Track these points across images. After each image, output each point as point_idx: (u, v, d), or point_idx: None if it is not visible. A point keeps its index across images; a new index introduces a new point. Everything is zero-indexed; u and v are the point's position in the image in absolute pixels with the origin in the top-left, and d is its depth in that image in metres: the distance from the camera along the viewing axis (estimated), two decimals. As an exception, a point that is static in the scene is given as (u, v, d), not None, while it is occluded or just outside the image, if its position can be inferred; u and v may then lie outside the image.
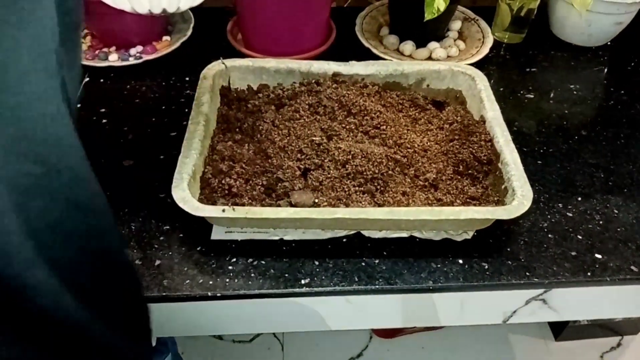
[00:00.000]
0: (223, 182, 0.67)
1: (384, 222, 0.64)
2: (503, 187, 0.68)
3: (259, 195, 0.66)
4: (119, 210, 0.69)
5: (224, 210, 0.61)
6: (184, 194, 0.62)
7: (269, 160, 0.69)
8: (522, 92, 0.93)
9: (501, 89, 0.93)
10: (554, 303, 0.69)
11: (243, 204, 0.65)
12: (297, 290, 0.62)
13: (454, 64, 0.85)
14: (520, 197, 0.64)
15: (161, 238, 0.66)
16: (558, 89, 0.94)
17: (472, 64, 0.93)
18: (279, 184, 0.67)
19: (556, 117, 0.88)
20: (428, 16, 0.88)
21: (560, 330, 1.35)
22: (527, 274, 0.65)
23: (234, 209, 0.61)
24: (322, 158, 0.70)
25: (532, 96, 0.92)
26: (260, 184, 0.68)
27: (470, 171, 0.72)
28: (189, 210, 0.61)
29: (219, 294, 0.61)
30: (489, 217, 0.62)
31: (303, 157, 0.70)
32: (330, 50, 0.97)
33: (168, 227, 0.68)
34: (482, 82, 0.81)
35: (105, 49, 0.94)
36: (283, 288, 0.62)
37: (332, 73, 0.83)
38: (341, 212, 0.61)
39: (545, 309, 0.70)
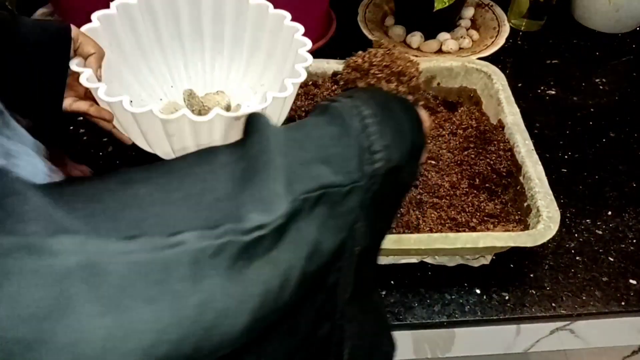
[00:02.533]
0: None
1: (390, 251, 0.57)
2: (525, 204, 0.61)
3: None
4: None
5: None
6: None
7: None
8: (542, 87, 0.84)
9: (519, 85, 0.84)
10: (582, 332, 0.62)
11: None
12: (294, 328, 0.55)
13: (468, 59, 0.76)
14: (547, 220, 0.56)
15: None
16: (582, 83, 0.85)
17: (487, 57, 0.85)
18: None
19: (581, 117, 0.79)
20: (438, 5, 0.80)
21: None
22: (553, 304, 0.57)
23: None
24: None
25: (553, 92, 0.83)
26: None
27: (487, 184, 0.64)
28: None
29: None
30: (511, 245, 0.55)
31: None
32: (329, 44, 0.88)
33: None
34: (499, 81, 0.72)
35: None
36: (278, 326, 0.55)
37: (331, 72, 0.75)
38: (342, 242, 0.54)
39: (571, 338, 0.63)
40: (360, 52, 0.58)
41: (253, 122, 0.31)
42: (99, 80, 0.51)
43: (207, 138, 0.49)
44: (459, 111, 0.74)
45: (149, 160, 0.51)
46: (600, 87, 0.84)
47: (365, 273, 0.35)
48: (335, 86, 0.74)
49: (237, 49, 0.63)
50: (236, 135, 0.50)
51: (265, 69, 0.62)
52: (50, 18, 0.87)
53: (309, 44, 0.55)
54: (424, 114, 0.40)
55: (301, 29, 0.57)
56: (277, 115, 0.54)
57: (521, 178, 0.63)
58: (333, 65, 0.75)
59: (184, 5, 0.59)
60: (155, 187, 0.26)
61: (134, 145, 0.62)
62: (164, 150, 0.53)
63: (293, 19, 0.85)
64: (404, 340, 0.62)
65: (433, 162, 0.67)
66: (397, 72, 0.51)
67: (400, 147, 0.34)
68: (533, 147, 0.64)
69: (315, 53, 0.86)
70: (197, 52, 0.64)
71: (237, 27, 0.62)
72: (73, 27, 0.49)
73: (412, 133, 0.36)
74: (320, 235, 0.28)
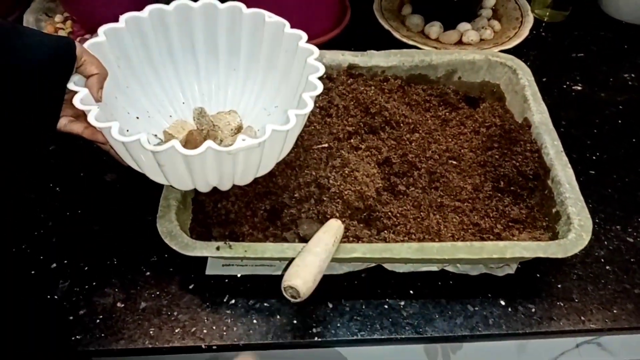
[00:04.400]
0: (219, 205, 0.57)
1: (411, 259, 0.53)
2: (554, 210, 0.57)
3: (261, 223, 0.56)
4: (98, 236, 0.59)
5: (218, 249, 0.50)
6: (171, 227, 0.52)
7: (273, 179, 0.58)
8: (567, 82, 0.80)
9: (543, 79, 0.80)
10: (610, 346, 0.59)
11: (242, 234, 0.55)
12: (306, 340, 0.52)
13: (491, 52, 0.72)
14: (578, 229, 0.53)
15: (147, 273, 0.56)
16: (610, 78, 0.81)
17: (510, 49, 0.80)
18: (285, 210, 0.56)
19: (609, 115, 0.75)
20: (460, -6, 0.75)
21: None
22: (582, 318, 0.54)
23: (230, 246, 0.51)
24: (334, 176, 0.59)
25: (579, 88, 0.79)
26: (263, 208, 0.57)
27: (512, 187, 0.61)
28: (178, 249, 0.50)
29: (214, 346, 0.51)
30: (540, 255, 0.51)
31: (312, 174, 0.59)
32: (343, 34, 0.84)
33: (155, 258, 0.58)
34: (525, 77, 0.68)
35: (87, 36, 0.82)
36: (290, 338, 0.52)
37: (347, 65, 0.71)
38: (361, 250, 0.51)
39: (598, 352, 0.60)
40: None
41: None
42: (99, 101, 0.48)
43: (199, 169, 0.47)
44: (481, 107, 0.70)
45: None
46: (629, 82, 0.80)
47: None
48: (351, 79, 0.70)
49: (252, 67, 0.60)
50: (230, 168, 0.47)
51: (280, 90, 0.59)
52: (62, 26, 0.83)
53: (321, 69, 0.52)
54: None
55: (315, 52, 0.53)
56: (279, 146, 0.51)
57: (549, 182, 0.59)
58: (348, 57, 0.71)
59: (198, 20, 0.56)
60: None
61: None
62: (157, 177, 0.50)
63: (306, 9, 0.81)
64: (422, 352, 0.59)
65: (454, 162, 0.64)
66: None
67: None
68: (562, 149, 0.60)
69: (330, 43, 0.82)
70: (212, 69, 0.60)
71: (253, 44, 0.58)
72: (78, 44, 0.46)
73: None
74: None
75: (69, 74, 0.46)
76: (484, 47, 0.82)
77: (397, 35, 0.83)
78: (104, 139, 0.48)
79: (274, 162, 0.53)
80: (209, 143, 0.44)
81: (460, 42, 0.84)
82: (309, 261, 0.47)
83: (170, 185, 0.52)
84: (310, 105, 0.48)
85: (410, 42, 0.82)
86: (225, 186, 0.53)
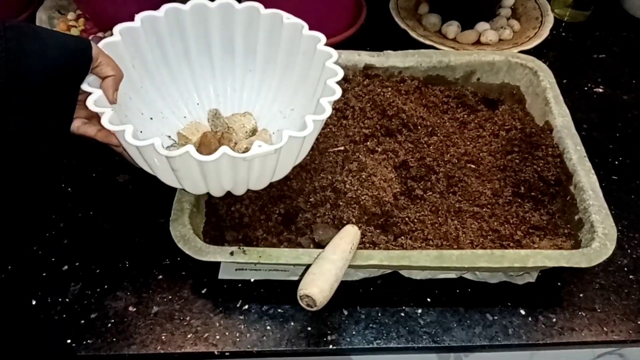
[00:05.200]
0: (233, 208, 0.56)
1: (429, 267, 0.52)
2: (576, 217, 0.55)
3: (275, 228, 0.55)
4: (110, 238, 0.58)
5: (232, 254, 0.49)
6: (185, 231, 0.51)
7: (287, 183, 0.57)
8: (589, 84, 0.78)
9: (564, 81, 0.78)
10: (633, 357, 0.57)
11: (256, 238, 0.54)
12: (321, 348, 0.51)
13: (511, 53, 0.70)
14: (602, 237, 0.51)
15: (160, 276, 0.56)
16: (633, 80, 0.79)
17: (529, 50, 0.78)
18: (300, 215, 0.55)
19: (632, 118, 0.73)
20: (479, -7, 0.73)
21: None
22: (605, 329, 0.52)
23: (244, 251, 0.50)
24: (350, 180, 0.57)
25: (601, 90, 0.77)
26: (277, 212, 0.56)
27: (533, 193, 0.59)
28: (191, 254, 0.49)
29: (227, 352, 0.50)
30: (563, 265, 0.50)
31: (328, 178, 0.58)
32: (359, 34, 0.82)
33: (168, 261, 0.57)
34: (547, 79, 0.66)
35: (100, 34, 0.82)
36: (305, 346, 0.51)
37: (363, 66, 0.69)
38: (378, 257, 0.49)
39: (620, 363, 0.58)
40: None
41: None
42: (113, 104, 0.48)
43: (214, 174, 0.46)
44: (500, 110, 0.69)
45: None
46: (653, 85, 0.78)
47: None
48: (367, 80, 0.69)
49: (269, 69, 0.59)
50: (245, 173, 0.46)
51: (297, 93, 0.57)
52: (75, 24, 0.82)
53: (340, 73, 0.50)
54: None
55: (334, 55, 0.52)
56: (295, 152, 0.49)
57: (572, 188, 0.57)
58: (365, 57, 0.70)
59: (215, 19, 0.55)
60: None
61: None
62: (170, 181, 0.49)
63: (321, 7, 0.79)
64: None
65: (473, 166, 0.62)
66: None
67: None
68: (585, 154, 0.58)
69: (345, 43, 0.81)
70: (227, 70, 0.59)
71: (271, 46, 0.57)
72: (94, 45, 0.45)
73: None
74: None
75: (85, 75, 0.45)
76: (502, 48, 0.80)
77: (413, 34, 0.81)
78: (117, 141, 0.48)
79: (289, 168, 0.52)
80: (224, 149, 0.43)
81: (478, 42, 0.82)
82: (325, 269, 0.46)
83: (183, 189, 0.51)
84: (328, 111, 0.47)
85: (427, 42, 0.80)
86: (239, 191, 0.52)
